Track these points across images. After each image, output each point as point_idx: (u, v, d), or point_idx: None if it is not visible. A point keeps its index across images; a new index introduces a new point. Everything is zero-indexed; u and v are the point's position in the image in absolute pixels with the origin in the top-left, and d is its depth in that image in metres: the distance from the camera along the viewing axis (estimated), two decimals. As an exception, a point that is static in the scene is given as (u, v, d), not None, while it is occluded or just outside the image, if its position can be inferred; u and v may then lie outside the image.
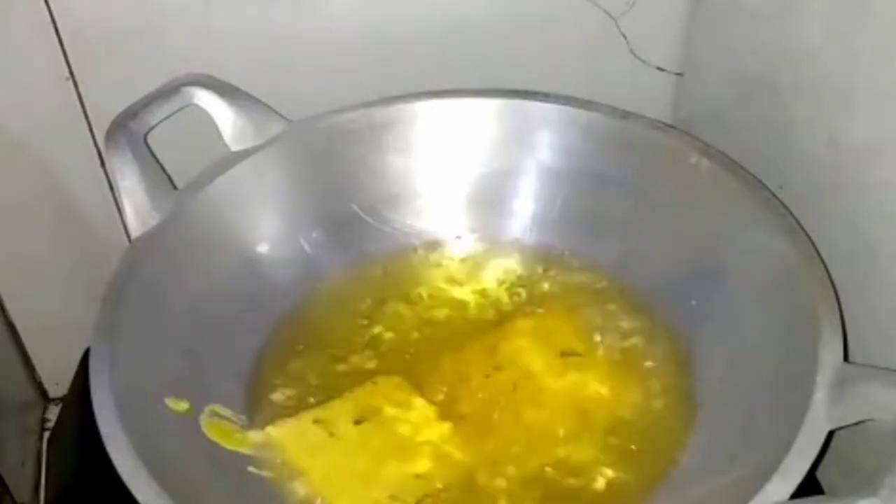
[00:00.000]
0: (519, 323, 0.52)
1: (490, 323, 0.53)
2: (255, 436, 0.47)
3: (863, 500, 0.35)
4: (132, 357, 0.44)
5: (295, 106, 0.55)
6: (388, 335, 0.52)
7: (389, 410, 0.48)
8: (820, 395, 0.39)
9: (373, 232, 0.56)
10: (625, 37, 0.60)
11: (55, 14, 0.52)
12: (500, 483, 0.45)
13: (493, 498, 0.45)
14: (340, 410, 0.48)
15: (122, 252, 0.48)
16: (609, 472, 0.45)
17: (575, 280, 0.54)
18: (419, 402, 0.48)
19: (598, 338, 0.51)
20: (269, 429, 0.47)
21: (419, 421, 0.47)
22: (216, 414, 0.46)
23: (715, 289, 0.50)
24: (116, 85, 0.53)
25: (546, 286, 0.55)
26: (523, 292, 0.54)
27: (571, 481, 0.45)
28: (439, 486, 0.45)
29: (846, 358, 0.41)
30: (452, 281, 0.55)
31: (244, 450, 0.46)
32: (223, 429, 0.46)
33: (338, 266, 0.55)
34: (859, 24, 0.45)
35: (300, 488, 0.45)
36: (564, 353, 0.51)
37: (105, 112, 0.52)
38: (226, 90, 0.53)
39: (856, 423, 0.39)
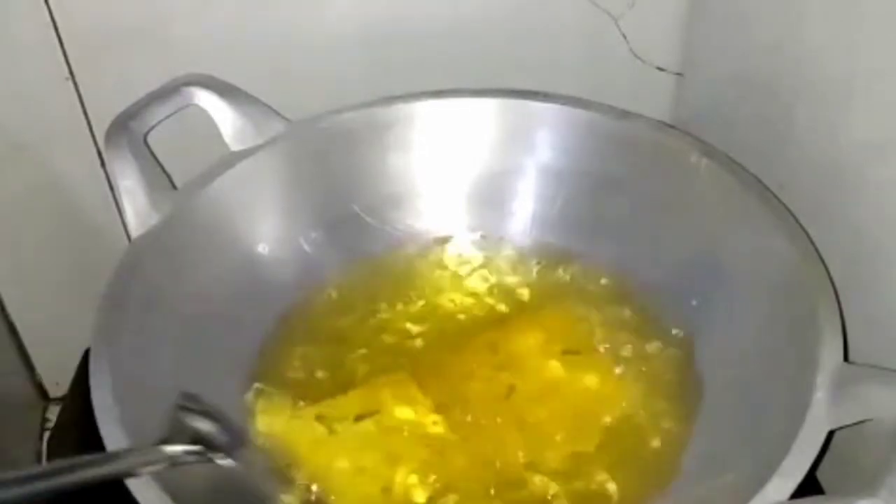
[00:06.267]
0: (519, 323, 0.52)
1: (490, 322, 0.53)
2: (256, 433, 0.47)
3: (863, 500, 0.35)
4: (132, 357, 0.44)
5: (295, 106, 0.55)
6: (388, 335, 0.52)
7: (390, 408, 0.48)
8: (820, 395, 0.39)
9: (373, 232, 0.56)
10: (625, 37, 0.60)
11: (55, 14, 0.52)
12: (499, 483, 0.45)
13: (492, 497, 0.45)
14: (341, 408, 0.48)
15: (122, 252, 0.48)
16: (609, 472, 0.45)
17: (575, 280, 0.54)
18: (419, 400, 0.48)
19: (597, 337, 0.51)
20: (270, 426, 0.47)
21: (419, 419, 0.47)
22: (217, 413, 0.46)
23: (715, 289, 0.50)
24: (116, 85, 0.53)
25: (546, 286, 0.54)
26: (524, 292, 0.54)
27: (571, 481, 0.45)
28: (438, 484, 0.45)
29: (846, 358, 0.41)
30: (452, 281, 0.55)
31: (244, 449, 0.46)
32: (223, 428, 0.46)
33: (338, 266, 0.55)
34: (859, 24, 0.45)
35: (301, 485, 0.45)
36: (564, 353, 0.51)
37: (105, 112, 0.52)
38: (226, 90, 0.53)
39: (856, 423, 0.39)
